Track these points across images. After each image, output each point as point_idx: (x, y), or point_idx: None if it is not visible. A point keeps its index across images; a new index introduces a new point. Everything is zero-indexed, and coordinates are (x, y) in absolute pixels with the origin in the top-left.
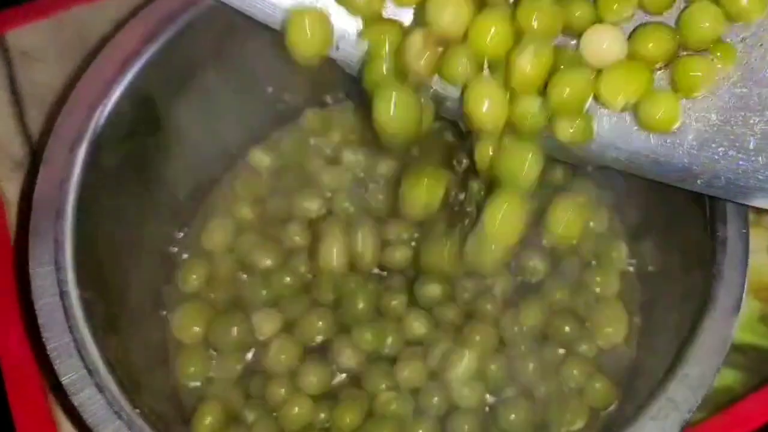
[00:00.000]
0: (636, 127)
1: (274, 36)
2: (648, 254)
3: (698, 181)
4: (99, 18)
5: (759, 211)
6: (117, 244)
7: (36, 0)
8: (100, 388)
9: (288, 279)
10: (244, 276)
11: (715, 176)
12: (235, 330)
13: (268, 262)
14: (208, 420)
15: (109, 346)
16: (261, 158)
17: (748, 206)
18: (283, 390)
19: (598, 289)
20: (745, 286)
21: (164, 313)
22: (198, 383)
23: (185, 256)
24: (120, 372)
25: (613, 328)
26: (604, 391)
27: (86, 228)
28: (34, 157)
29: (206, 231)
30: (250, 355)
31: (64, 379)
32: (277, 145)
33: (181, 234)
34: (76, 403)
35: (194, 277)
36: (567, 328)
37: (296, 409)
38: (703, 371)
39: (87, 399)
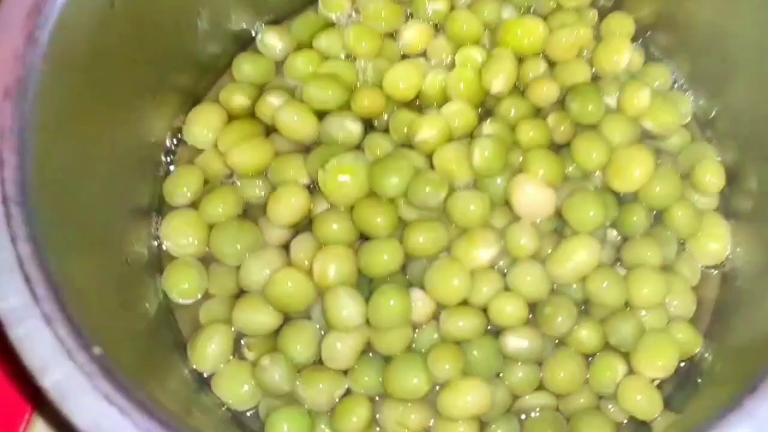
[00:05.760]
0: None
1: None
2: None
3: None
4: None
5: None
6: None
7: None
8: (48, 320)
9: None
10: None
11: None
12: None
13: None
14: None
15: (65, 267)
16: (273, 42)
17: None
18: None
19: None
20: None
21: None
22: (192, 300)
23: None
24: (75, 300)
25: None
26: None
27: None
28: None
29: (189, 121)
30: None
31: (2, 305)
32: (289, 29)
33: (175, 140)
34: (13, 337)
35: (184, 189)
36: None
37: None
38: None
39: (29, 332)
